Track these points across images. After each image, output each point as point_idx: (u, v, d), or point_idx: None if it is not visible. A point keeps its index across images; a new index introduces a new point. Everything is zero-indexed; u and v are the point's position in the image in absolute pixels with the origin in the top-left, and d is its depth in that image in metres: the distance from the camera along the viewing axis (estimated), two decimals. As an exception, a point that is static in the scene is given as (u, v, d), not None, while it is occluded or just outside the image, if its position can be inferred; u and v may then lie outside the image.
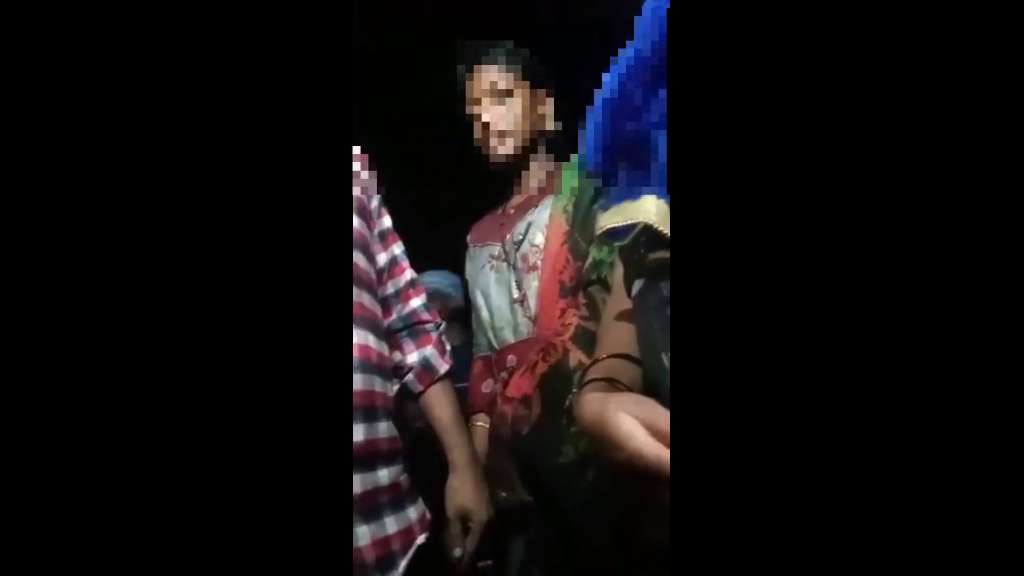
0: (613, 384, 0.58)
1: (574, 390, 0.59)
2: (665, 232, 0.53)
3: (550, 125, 1.33)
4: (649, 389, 0.58)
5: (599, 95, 0.65)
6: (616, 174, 0.61)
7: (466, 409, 1.30)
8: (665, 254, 0.54)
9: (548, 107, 1.34)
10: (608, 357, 0.62)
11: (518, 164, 1.32)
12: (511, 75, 1.31)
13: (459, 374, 1.22)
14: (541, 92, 1.33)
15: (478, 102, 1.31)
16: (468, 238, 1.43)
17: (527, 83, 1.32)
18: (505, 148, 1.30)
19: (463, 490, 1.11)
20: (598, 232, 0.59)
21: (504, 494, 1.14)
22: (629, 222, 0.55)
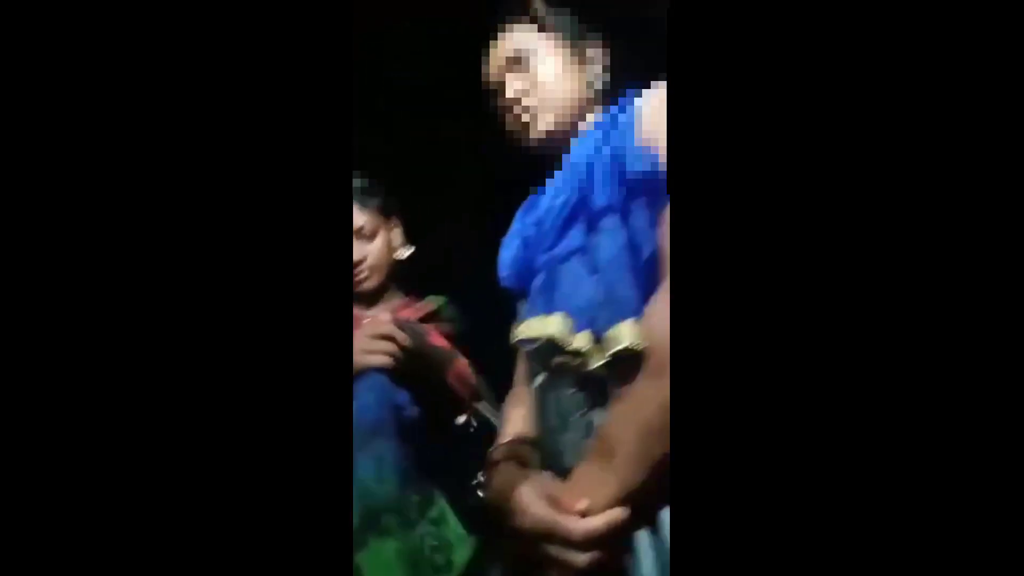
0: (517, 462, 0.73)
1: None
2: (566, 343, 0.68)
3: (399, 253, 1.18)
4: (546, 464, 0.74)
5: (517, 227, 0.81)
6: (527, 293, 0.78)
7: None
8: (565, 359, 0.69)
9: (396, 235, 1.18)
10: (511, 441, 0.77)
11: None
12: None
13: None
14: (389, 223, 1.17)
15: None
16: None
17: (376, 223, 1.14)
18: None
19: None
20: (512, 341, 0.74)
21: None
22: (537, 335, 0.71)
